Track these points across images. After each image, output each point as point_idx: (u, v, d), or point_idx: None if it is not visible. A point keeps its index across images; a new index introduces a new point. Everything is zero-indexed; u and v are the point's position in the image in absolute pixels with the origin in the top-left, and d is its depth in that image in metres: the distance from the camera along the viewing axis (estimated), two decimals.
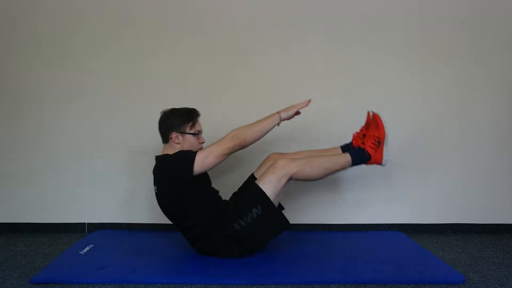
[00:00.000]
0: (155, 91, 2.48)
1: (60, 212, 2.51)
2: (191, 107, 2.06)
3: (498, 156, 2.52)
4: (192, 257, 2.00)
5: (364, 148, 2.05)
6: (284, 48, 2.49)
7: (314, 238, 2.34)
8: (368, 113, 2.12)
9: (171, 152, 1.98)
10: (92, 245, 2.14)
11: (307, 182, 2.49)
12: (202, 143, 2.06)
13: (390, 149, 2.49)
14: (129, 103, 2.49)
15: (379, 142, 2.04)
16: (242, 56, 2.49)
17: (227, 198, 2.16)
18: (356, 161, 2.03)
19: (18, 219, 2.51)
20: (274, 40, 2.48)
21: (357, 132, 2.16)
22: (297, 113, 2.04)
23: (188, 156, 1.89)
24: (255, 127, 1.94)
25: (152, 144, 2.45)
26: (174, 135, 1.97)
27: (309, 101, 2.03)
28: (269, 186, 1.91)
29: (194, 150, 1.98)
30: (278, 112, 1.98)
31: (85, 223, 2.52)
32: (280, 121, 1.99)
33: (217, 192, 2.08)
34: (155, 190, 1.99)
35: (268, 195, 1.90)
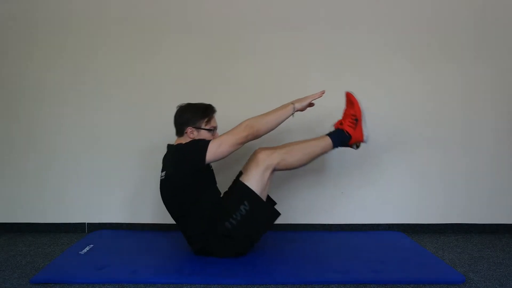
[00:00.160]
0: (155, 90, 2.49)
1: (60, 212, 2.51)
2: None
3: (498, 156, 2.52)
4: (192, 257, 2.00)
5: (343, 128, 2.04)
6: (284, 48, 2.49)
7: (314, 238, 2.33)
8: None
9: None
10: (92, 245, 2.14)
11: (308, 179, 2.50)
12: None
13: (390, 149, 2.51)
14: (129, 103, 2.49)
15: (357, 120, 2.03)
16: (243, 56, 2.49)
17: None
18: (337, 143, 2.03)
19: (18, 219, 2.51)
20: (275, 40, 2.48)
21: (338, 120, 2.12)
22: (311, 104, 2.03)
23: (201, 145, 1.89)
24: (268, 117, 1.94)
25: (153, 144, 2.46)
26: (189, 130, 1.98)
27: (323, 92, 2.03)
28: (254, 180, 1.92)
29: None
30: (292, 103, 1.98)
31: (85, 223, 2.52)
32: (294, 112, 1.98)
33: (220, 193, 2.09)
34: (161, 176, 1.99)
35: (253, 189, 1.91)
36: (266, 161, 1.93)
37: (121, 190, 2.51)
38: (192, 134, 1.98)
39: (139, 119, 2.48)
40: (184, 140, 2.00)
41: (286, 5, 2.48)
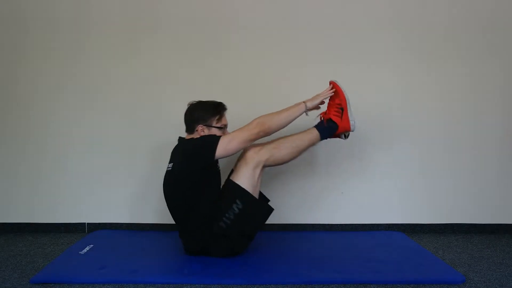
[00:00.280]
0: (156, 91, 2.48)
1: (60, 212, 2.51)
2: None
3: (499, 156, 2.52)
4: (192, 257, 1.99)
5: (329, 118, 2.02)
6: (286, 50, 2.49)
7: (314, 238, 2.34)
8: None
9: None
10: (92, 245, 2.14)
11: (308, 180, 2.50)
12: None
13: (390, 149, 2.51)
14: (129, 103, 2.49)
15: (342, 109, 2.01)
16: (242, 57, 2.49)
17: None
18: (324, 134, 2.02)
19: (18, 219, 2.51)
20: (275, 40, 2.48)
21: (323, 112, 2.10)
22: (323, 102, 2.03)
23: (212, 140, 1.89)
24: (280, 115, 1.94)
25: (153, 144, 2.46)
26: (200, 127, 1.98)
27: (332, 88, 2.01)
28: (244, 179, 1.92)
29: None
30: (304, 102, 1.98)
31: (85, 223, 2.52)
32: (307, 110, 1.98)
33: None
34: (168, 168, 1.98)
35: (244, 187, 1.91)
36: (255, 158, 1.93)
37: (121, 190, 2.51)
38: (202, 132, 1.99)
39: (139, 119, 2.48)
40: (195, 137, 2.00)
41: (287, 4, 2.48)
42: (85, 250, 2.08)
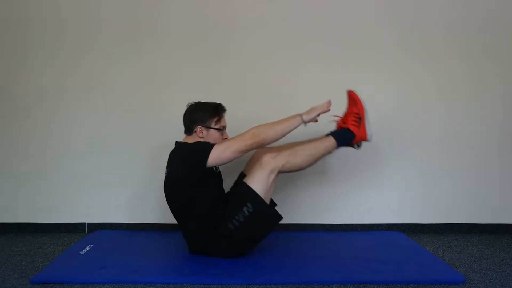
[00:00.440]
0: (155, 91, 2.48)
1: (60, 212, 2.51)
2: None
3: (499, 156, 2.52)
4: (192, 257, 2.00)
5: (347, 127, 2.01)
6: (286, 50, 2.49)
7: (314, 238, 2.33)
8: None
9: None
10: (92, 245, 2.14)
11: (308, 180, 2.50)
12: (226, 138, 2.05)
13: (390, 149, 2.51)
14: (129, 104, 2.49)
15: (360, 118, 2.00)
16: (240, 57, 2.49)
17: None
18: (340, 142, 2.01)
19: (18, 219, 2.51)
20: (276, 43, 2.48)
21: (340, 119, 2.09)
22: (319, 115, 1.99)
23: (205, 147, 1.88)
24: (276, 126, 1.91)
25: (153, 145, 2.46)
26: (198, 129, 1.98)
27: (329, 102, 1.99)
28: (258, 183, 1.91)
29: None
30: (300, 115, 1.95)
31: (85, 223, 2.52)
32: (304, 123, 1.94)
33: (224, 192, 2.09)
34: (165, 173, 1.99)
35: (257, 192, 1.90)
36: (271, 163, 1.92)
37: (121, 190, 2.51)
38: (201, 133, 1.98)
39: (139, 119, 2.48)
40: (193, 139, 2.00)
41: (287, 4, 2.48)
42: (85, 250, 2.08)
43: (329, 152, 2.03)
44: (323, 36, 2.49)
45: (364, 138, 2.02)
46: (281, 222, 1.98)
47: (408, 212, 2.53)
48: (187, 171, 1.90)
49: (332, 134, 2.03)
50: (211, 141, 1.97)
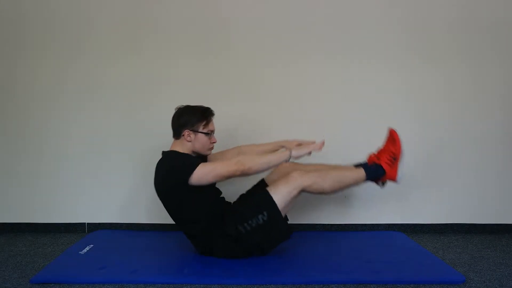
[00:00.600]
0: (154, 92, 2.48)
1: (60, 212, 2.51)
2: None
3: (499, 156, 2.52)
4: (192, 257, 2.00)
5: (380, 163, 2.00)
6: (286, 50, 2.49)
7: (314, 238, 2.33)
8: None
9: (179, 148, 1.99)
10: (92, 245, 2.14)
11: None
12: (214, 143, 2.05)
13: None
14: (130, 103, 2.49)
15: (395, 159, 1.99)
16: (245, 58, 2.49)
17: (231, 200, 2.15)
18: (370, 176, 2.00)
19: (18, 219, 2.51)
20: (276, 43, 2.48)
21: (374, 153, 2.09)
22: (309, 153, 1.97)
23: (189, 164, 1.87)
24: (262, 159, 1.90)
25: (152, 145, 2.45)
26: (186, 132, 1.97)
27: (323, 143, 1.96)
28: (280, 196, 1.91)
29: (205, 149, 2.01)
30: (290, 150, 1.93)
31: (85, 223, 2.52)
32: (289, 159, 1.93)
33: (220, 192, 2.09)
34: (154, 184, 2.00)
35: (277, 204, 1.90)
36: (297, 180, 1.91)
37: (121, 190, 2.51)
38: (189, 137, 1.98)
39: (139, 119, 2.48)
40: (181, 144, 1.99)
41: (288, 4, 2.48)
42: (85, 250, 2.08)
43: (356, 183, 2.03)
44: (323, 36, 2.49)
45: (394, 179, 2.01)
46: None
47: (408, 212, 2.53)
48: (170, 187, 1.91)
49: (364, 167, 2.02)
50: (198, 145, 1.98)
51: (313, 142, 2.03)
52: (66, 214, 2.51)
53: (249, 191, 2.16)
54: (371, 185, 2.48)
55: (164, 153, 2.01)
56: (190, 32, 2.47)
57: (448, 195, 2.53)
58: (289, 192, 1.91)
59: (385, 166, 1.99)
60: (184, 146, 1.99)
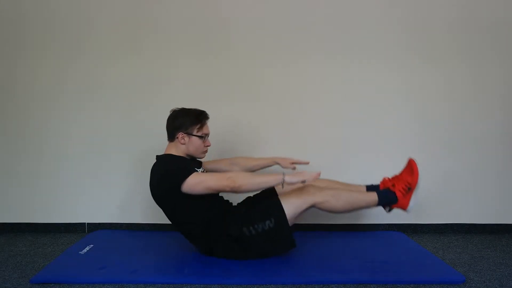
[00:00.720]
0: (153, 93, 2.48)
1: (60, 212, 2.51)
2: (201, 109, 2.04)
3: (499, 157, 2.52)
4: (192, 257, 2.00)
5: (394, 191, 2.01)
6: (287, 50, 2.48)
7: (314, 238, 2.33)
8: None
9: (174, 151, 1.99)
10: (92, 245, 2.15)
11: None
12: (208, 146, 2.05)
13: (390, 149, 2.50)
14: (130, 103, 2.49)
15: (410, 188, 2.00)
16: (245, 58, 2.49)
17: (233, 201, 2.15)
18: (382, 202, 2.01)
19: (18, 219, 2.51)
20: (276, 43, 2.48)
21: (388, 178, 2.10)
22: (303, 181, 1.90)
23: (183, 173, 1.86)
24: (255, 179, 1.88)
25: (152, 145, 2.45)
26: (180, 135, 1.97)
27: (319, 174, 1.88)
28: (290, 206, 1.91)
29: (198, 152, 2.01)
30: (283, 175, 1.84)
31: (85, 223, 2.52)
32: (283, 184, 1.86)
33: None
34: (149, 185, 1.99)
35: (286, 213, 1.90)
36: (310, 196, 1.92)
37: (121, 190, 2.51)
38: (183, 139, 1.97)
39: (139, 119, 2.48)
40: (175, 147, 1.99)
41: (288, 4, 2.48)
42: (85, 250, 2.08)
43: (367, 207, 2.03)
44: (323, 36, 2.49)
45: (404, 208, 2.02)
46: None
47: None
48: (165, 191, 1.91)
49: (377, 192, 2.03)
50: (192, 148, 1.99)
51: (307, 162, 2.06)
52: (66, 214, 2.51)
53: (257, 195, 2.14)
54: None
55: (158, 157, 2.01)
56: (190, 32, 2.47)
57: (448, 195, 2.53)
58: (301, 205, 1.92)
59: (398, 194, 2.00)
60: (178, 149, 1.99)
